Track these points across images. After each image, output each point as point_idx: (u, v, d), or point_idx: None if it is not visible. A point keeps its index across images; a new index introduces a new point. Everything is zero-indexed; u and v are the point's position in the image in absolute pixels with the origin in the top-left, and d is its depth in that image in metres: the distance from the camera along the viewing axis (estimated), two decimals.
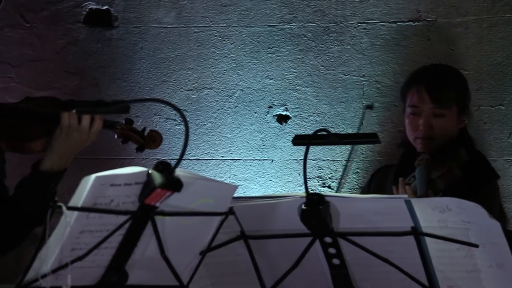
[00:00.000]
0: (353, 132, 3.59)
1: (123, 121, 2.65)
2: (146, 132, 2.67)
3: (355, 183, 3.65)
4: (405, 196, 2.22)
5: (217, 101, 3.73)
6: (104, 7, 3.78)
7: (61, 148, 2.53)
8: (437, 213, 2.12)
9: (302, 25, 3.68)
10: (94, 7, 3.78)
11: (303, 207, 2.16)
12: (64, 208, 1.90)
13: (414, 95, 3.06)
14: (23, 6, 3.78)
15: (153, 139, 2.66)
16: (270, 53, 3.70)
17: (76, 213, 1.91)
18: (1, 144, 2.50)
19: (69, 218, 1.90)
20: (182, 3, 3.74)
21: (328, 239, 2.19)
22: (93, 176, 1.91)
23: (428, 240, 2.14)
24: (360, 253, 2.17)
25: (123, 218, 1.97)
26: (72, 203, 1.92)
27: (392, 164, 3.23)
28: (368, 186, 3.23)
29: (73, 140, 2.52)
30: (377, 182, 3.20)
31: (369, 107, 3.55)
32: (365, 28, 3.64)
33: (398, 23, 3.63)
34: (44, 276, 1.93)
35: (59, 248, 1.92)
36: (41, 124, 2.54)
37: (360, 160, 3.65)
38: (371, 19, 3.64)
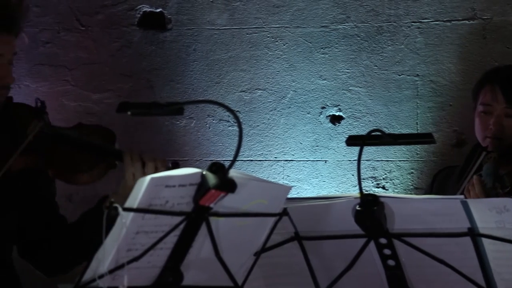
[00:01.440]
0: (407, 132, 3.56)
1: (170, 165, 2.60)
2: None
3: (409, 183, 3.62)
4: (461, 196, 2.20)
5: (270, 102, 3.74)
6: (158, 10, 3.81)
7: (126, 194, 2.53)
8: (494, 214, 2.09)
9: (355, 25, 3.66)
10: (148, 10, 3.82)
11: (357, 208, 2.15)
12: (120, 209, 1.91)
13: (488, 93, 3.05)
14: (78, 10, 3.83)
15: None
16: (323, 54, 3.69)
17: (131, 214, 1.93)
18: (48, 171, 2.48)
19: (125, 219, 1.92)
20: (235, 5, 3.75)
21: (383, 240, 2.18)
22: (148, 177, 1.92)
23: (485, 241, 2.11)
24: (415, 254, 2.16)
25: (178, 219, 1.98)
26: (128, 204, 1.94)
27: (455, 165, 3.21)
28: (431, 186, 3.21)
29: None
30: (439, 182, 3.18)
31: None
32: (419, 27, 3.61)
33: (453, 21, 3.59)
34: (101, 276, 1.95)
35: (116, 249, 1.93)
36: (92, 158, 2.51)
37: (415, 160, 3.62)
38: (425, 18, 3.61)
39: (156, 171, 2.51)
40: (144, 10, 3.82)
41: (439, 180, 3.19)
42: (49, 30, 3.84)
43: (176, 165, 2.57)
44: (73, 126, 2.62)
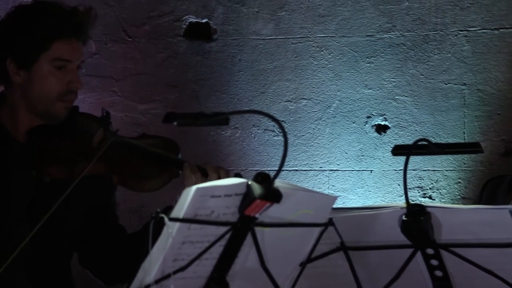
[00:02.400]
0: (454, 141, 3.52)
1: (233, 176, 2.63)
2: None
3: (457, 193, 3.59)
4: (510, 206, 2.17)
5: (315, 111, 3.73)
6: (204, 20, 3.83)
7: None
8: None
9: (401, 34, 3.64)
10: (194, 20, 3.84)
11: (403, 218, 2.14)
12: (166, 219, 1.92)
13: None
14: (125, 21, 3.87)
15: None
16: (368, 63, 3.68)
17: (177, 224, 1.94)
18: (113, 177, 2.54)
19: (171, 229, 1.93)
20: (280, 15, 3.76)
21: (430, 251, 2.16)
22: (194, 187, 1.93)
23: None
24: (463, 265, 2.13)
25: (223, 229, 1.98)
26: (173, 214, 1.94)
27: (505, 174, 3.17)
28: (480, 196, 3.18)
29: None
30: (488, 192, 3.14)
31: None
32: (466, 36, 3.58)
33: (500, 29, 3.55)
34: (147, 286, 1.96)
35: (162, 259, 1.94)
36: (156, 166, 2.56)
37: (462, 170, 3.58)
38: (472, 26, 3.57)
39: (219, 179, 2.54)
40: (190, 20, 3.84)
41: (489, 189, 3.15)
42: (97, 42, 3.88)
43: (238, 176, 2.60)
44: (138, 136, 2.68)
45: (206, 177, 2.54)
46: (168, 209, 2.57)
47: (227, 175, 2.57)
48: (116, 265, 2.68)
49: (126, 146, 2.57)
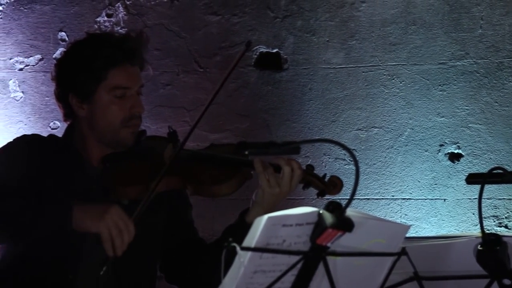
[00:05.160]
0: None
1: (304, 167, 2.66)
2: (327, 178, 2.67)
3: None
4: None
5: (387, 140, 3.71)
6: (274, 50, 3.85)
7: (265, 201, 2.58)
8: None
9: (474, 61, 3.60)
10: (265, 50, 3.87)
11: (479, 247, 2.11)
12: (238, 248, 1.93)
13: None
14: (197, 52, 3.92)
15: (334, 185, 2.66)
16: (440, 91, 3.64)
17: (249, 253, 1.94)
18: (188, 187, 2.57)
19: (243, 259, 1.93)
20: (350, 44, 3.76)
21: (506, 281, 2.12)
22: (266, 216, 1.93)
23: None
24: None
25: (295, 258, 1.97)
26: (245, 243, 1.95)
27: None
28: None
29: (275, 192, 2.56)
30: None
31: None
32: None
33: None
34: None
35: None
36: (227, 170, 2.59)
37: None
38: None
39: (292, 173, 2.54)
40: (260, 50, 3.87)
41: None
42: (169, 73, 3.94)
43: (311, 168, 2.61)
44: (206, 147, 2.71)
45: (279, 172, 2.55)
46: (246, 211, 2.57)
47: (300, 167, 2.57)
48: (201, 275, 2.70)
49: (196, 156, 2.61)
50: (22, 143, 2.71)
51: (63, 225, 2.44)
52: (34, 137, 2.75)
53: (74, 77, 2.66)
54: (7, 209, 2.48)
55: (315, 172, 2.66)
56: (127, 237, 2.42)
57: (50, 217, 2.46)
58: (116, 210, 2.45)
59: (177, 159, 2.51)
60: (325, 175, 2.67)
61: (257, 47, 3.86)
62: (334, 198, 3.74)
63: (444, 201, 3.62)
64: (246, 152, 2.24)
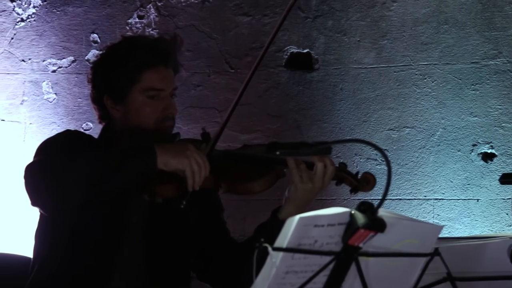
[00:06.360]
0: None
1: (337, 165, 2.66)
2: (359, 175, 2.67)
3: None
4: None
5: (419, 140, 3.69)
6: (305, 51, 3.85)
7: (297, 197, 2.58)
8: None
9: (507, 60, 3.57)
10: (295, 51, 3.87)
11: None
12: (269, 248, 1.93)
13: None
14: (228, 53, 3.93)
15: (367, 181, 2.66)
16: (473, 90, 3.62)
17: (281, 253, 1.94)
18: (222, 185, 2.59)
19: (274, 259, 1.93)
20: (382, 43, 3.74)
21: None
22: (297, 217, 1.93)
23: None
24: None
25: (327, 258, 1.97)
26: (277, 244, 1.95)
27: None
28: None
29: (308, 188, 2.56)
30: None
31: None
32: None
33: None
34: None
35: None
36: (260, 168, 2.61)
37: None
38: None
39: (325, 169, 2.55)
40: (291, 51, 3.87)
41: None
42: (200, 74, 3.95)
43: (344, 165, 2.61)
44: (238, 148, 2.73)
45: (311, 169, 2.55)
46: (279, 209, 2.59)
47: (333, 164, 2.57)
48: (233, 274, 2.72)
49: (228, 156, 2.63)
50: (71, 131, 2.78)
51: (150, 164, 2.45)
52: (79, 131, 2.80)
53: (108, 78, 2.69)
54: (93, 157, 2.49)
55: (348, 169, 2.66)
56: (204, 172, 2.47)
57: (137, 159, 2.46)
58: (193, 148, 2.49)
59: (210, 157, 2.53)
60: (358, 172, 2.67)
61: (288, 47, 3.86)
62: (366, 198, 3.73)
63: (477, 201, 3.60)
64: (278, 153, 2.24)
